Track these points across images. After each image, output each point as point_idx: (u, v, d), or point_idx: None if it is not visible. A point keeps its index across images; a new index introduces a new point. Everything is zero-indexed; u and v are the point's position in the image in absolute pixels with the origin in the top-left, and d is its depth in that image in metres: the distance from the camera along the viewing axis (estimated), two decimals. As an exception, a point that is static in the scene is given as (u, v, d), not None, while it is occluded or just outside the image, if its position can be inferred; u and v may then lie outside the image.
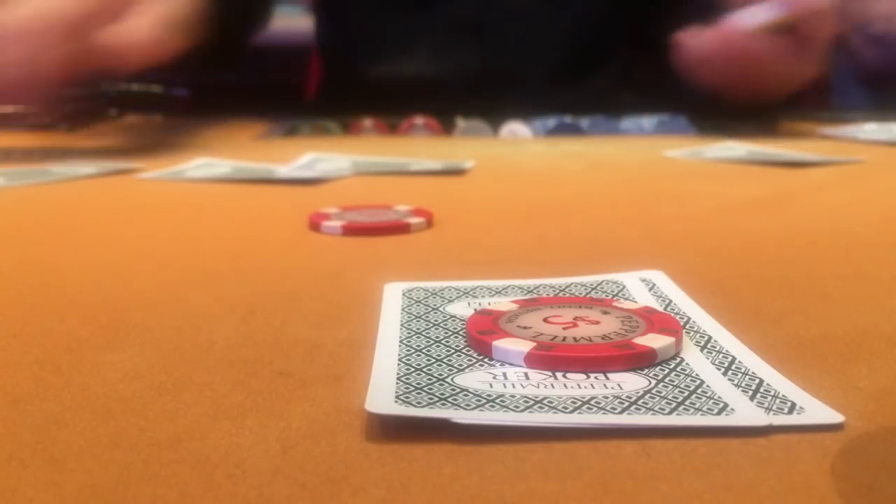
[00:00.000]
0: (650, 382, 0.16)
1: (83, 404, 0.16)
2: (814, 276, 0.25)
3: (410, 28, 0.79)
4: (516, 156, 0.56)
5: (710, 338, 0.19)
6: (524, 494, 0.13)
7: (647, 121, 0.70)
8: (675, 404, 0.15)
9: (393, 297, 0.22)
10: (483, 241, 0.31)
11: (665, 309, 0.21)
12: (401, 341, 0.19)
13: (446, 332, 0.19)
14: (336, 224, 0.31)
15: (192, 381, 0.17)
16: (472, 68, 0.79)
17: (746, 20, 0.59)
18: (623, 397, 0.16)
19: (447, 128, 0.70)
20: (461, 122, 0.70)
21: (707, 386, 0.16)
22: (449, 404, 0.15)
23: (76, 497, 0.13)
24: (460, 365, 0.17)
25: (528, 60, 0.80)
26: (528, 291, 0.23)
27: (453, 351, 0.18)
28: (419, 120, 0.70)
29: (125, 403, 0.16)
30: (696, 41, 0.61)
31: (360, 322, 0.21)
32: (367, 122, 0.71)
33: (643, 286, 0.23)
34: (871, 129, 0.63)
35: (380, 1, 0.80)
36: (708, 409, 0.15)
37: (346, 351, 0.19)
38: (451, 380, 0.16)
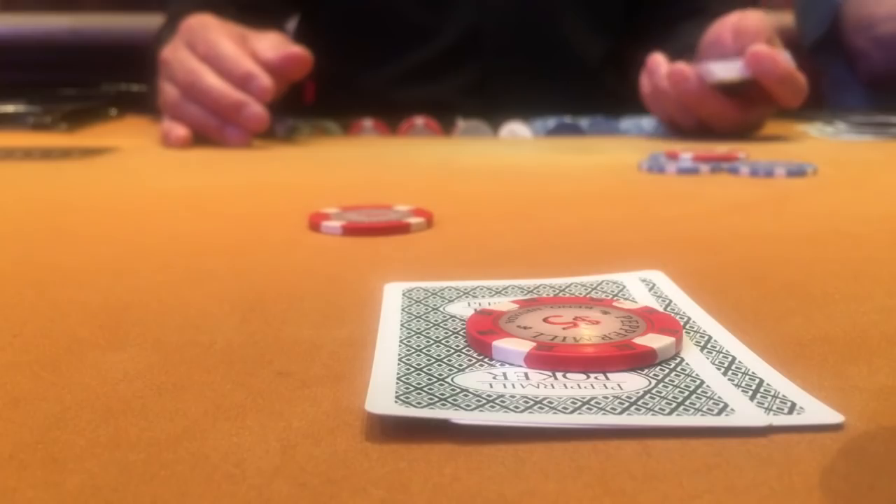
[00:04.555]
0: (650, 382, 0.16)
1: (83, 404, 0.16)
2: (813, 277, 0.25)
3: (405, 48, 0.80)
4: (516, 156, 0.56)
5: (710, 338, 0.19)
6: (524, 494, 0.13)
7: (647, 121, 0.70)
8: (674, 404, 0.15)
9: (393, 296, 0.22)
10: (483, 241, 0.31)
11: (665, 309, 0.21)
12: (401, 341, 0.19)
13: (446, 333, 0.19)
14: (336, 224, 0.31)
15: (192, 381, 0.17)
16: (471, 79, 0.79)
17: (709, 73, 0.60)
18: (623, 397, 0.16)
19: (447, 128, 0.70)
20: (461, 123, 0.70)
21: (707, 386, 0.16)
22: (449, 404, 0.15)
23: (76, 497, 0.13)
24: (460, 365, 0.17)
25: (529, 65, 0.80)
26: (528, 291, 0.23)
27: (453, 351, 0.18)
28: (419, 120, 0.70)
29: (125, 403, 0.16)
30: (658, 71, 0.63)
31: (360, 322, 0.21)
32: (367, 123, 0.71)
33: (643, 286, 0.23)
34: None
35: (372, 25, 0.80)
36: (708, 409, 0.15)
37: (346, 351, 0.19)
38: (451, 380, 0.16)
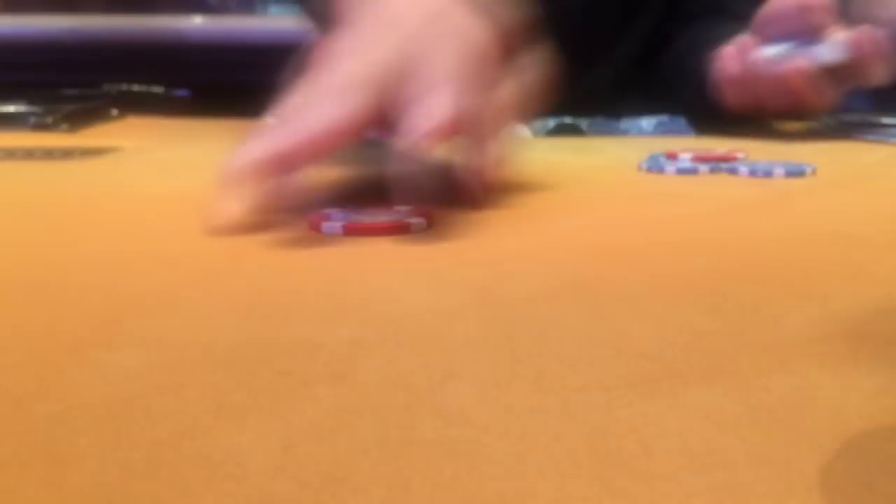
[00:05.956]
0: None
1: (85, 403, 0.16)
2: (813, 277, 0.25)
3: None
4: (515, 156, 0.56)
5: None
6: (523, 493, 0.13)
7: (647, 121, 0.71)
8: None
9: None
10: (482, 241, 0.31)
11: None
12: None
13: None
14: (337, 224, 0.31)
15: (193, 381, 0.17)
16: None
17: (814, 57, 0.60)
18: None
19: None
20: None
21: None
22: None
23: (78, 496, 0.13)
24: None
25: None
26: None
27: None
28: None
29: (127, 403, 0.16)
30: (756, 59, 0.61)
31: (361, 321, 0.21)
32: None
33: None
34: None
35: None
36: None
37: (347, 350, 0.19)
38: None
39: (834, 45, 0.60)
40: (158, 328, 0.21)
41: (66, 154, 0.55)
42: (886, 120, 0.68)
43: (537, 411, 0.15)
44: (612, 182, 0.46)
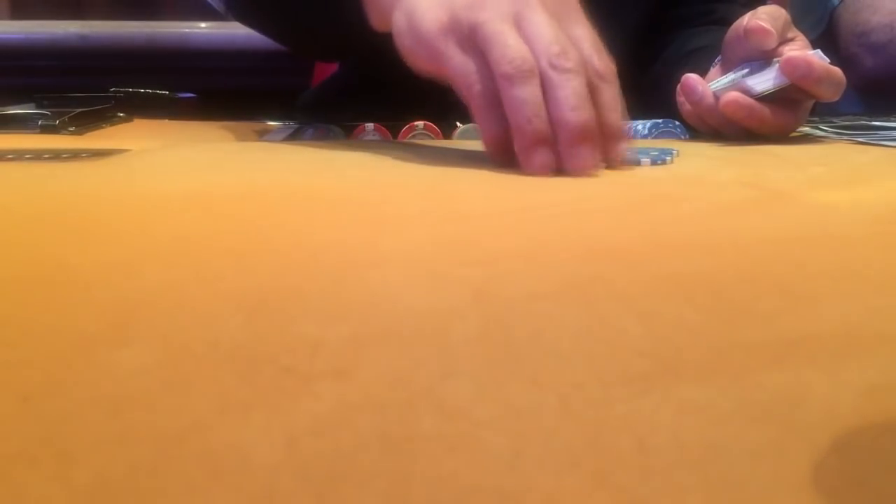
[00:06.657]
0: None
1: (92, 400, 0.16)
2: (804, 275, 0.26)
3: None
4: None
5: None
6: (522, 489, 0.13)
7: (642, 124, 0.71)
8: None
9: None
10: (482, 241, 0.31)
11: None
12: None
13: None
14: None
15: (198, 378, 0.17)
16: None
17: (748, 89, 0.61)
18: None
19: (446, 132, 0.71)
20: (459, 126, 0.70)
21: None
22: None
23: (85, 491, 0.13)
24: None
25: None
26: None
27: None
28: (419, 123, 0.70)
29: (133, 399, 0.16)
30: (703, 97, 0.63)
31: (362, 319, 0.21)
32: (369, 126, 0.71)
33: None
34: None
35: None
36: None
37: (349, 347, 0.19)
38: None
39: (768, 73, 0.60)
40: (164, 326, 0.21)
41: (74, 155, 0.55)
42: (877, 122, 0.68)
43: (535, 407, 0.16)
44: (606, 184, 0.46)
